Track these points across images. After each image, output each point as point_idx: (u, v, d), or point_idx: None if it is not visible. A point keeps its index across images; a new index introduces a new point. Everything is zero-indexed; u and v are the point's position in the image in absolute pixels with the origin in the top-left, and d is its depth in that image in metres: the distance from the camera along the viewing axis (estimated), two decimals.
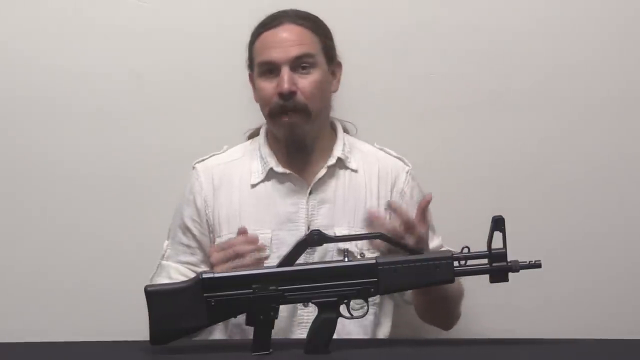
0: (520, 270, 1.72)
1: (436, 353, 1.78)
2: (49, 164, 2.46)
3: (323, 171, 2.09)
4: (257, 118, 2.17)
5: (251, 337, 1.73)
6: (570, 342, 1.83)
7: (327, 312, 1.72)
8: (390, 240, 1.84)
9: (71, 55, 2.44)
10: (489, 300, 2.33)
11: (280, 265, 1.74)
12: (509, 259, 1.72)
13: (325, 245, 1.92)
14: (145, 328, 1.74)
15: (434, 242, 2.13)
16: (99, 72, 2.44)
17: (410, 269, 1.73)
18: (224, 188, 2.12)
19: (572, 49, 2.46)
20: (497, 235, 1.70)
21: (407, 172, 2.16)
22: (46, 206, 2.47)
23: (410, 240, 1.82)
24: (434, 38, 2.45)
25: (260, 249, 1.92)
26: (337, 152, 2.12)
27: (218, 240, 2.09)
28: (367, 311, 1.76)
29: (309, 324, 1.75)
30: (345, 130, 2.21)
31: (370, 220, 1.87)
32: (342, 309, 1.74)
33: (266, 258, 1.92)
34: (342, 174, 2.12)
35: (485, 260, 1.73)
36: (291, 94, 2.02)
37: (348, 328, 1.98)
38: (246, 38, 2.13)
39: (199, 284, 1.73)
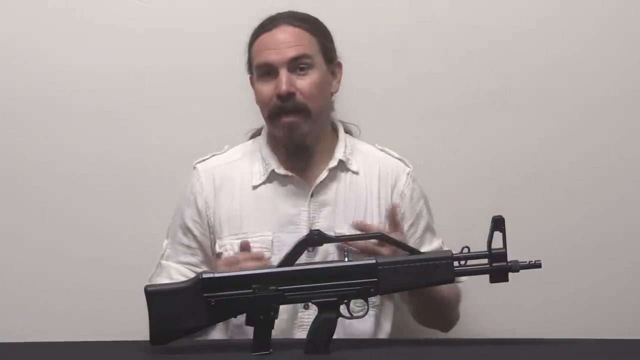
0: (520, 270, 1.72)
1: (436, 353, 1.78)
2: (49, 164, 2.46)
3: (324, 174, 2.09)
4: (257, 118, 2.17)
5: (251, 337, 1.73)
6: (570, 342, 1.83)
7: (327, 312, 1.72)
8: (390, 240, 1.85)
9: (71, 55, 2.44)
10: (489, 300, 2.33)
11: (280, 265, 1.74)
12: (509, 259, 1.72)
13: (325, 247, 1.93)
14: (145, 328, 1.74)
15: (433, 245, 2.13)
16: (99, 72, 2.44)
17: (410, 269, 1.73)
18: (225, 189, 2.11)
19: (572, 49, 2.46)
20: (497, 235, 1.70)
21: (407, 174, 2.15)
22: (46, 206, 2.47)
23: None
24: (434, 38, 2.45)
25: (267, 266, 1.91)
26: (339, 154, 2.11)
27: (219, 242, 2.09)
28: (367, 311, 1.76)
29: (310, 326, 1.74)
30: (348, 132, 2.20)
31: (357, 229, 1.91)
32: (342, 309, 1.74)
33: None
34: (344, 176, 2.11)
35: (485, 260, 1.73)
36: (290, 95, 2.01)
37: (348, 330, 1.98)
38: (246, 38, 2.13)
39: (199, 284, 1.73)
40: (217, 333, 2.05)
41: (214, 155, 2.17)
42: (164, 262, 2.13)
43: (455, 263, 1.73)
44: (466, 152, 2.47)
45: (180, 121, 2.46)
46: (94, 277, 2.45)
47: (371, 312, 2.06)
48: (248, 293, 1.72)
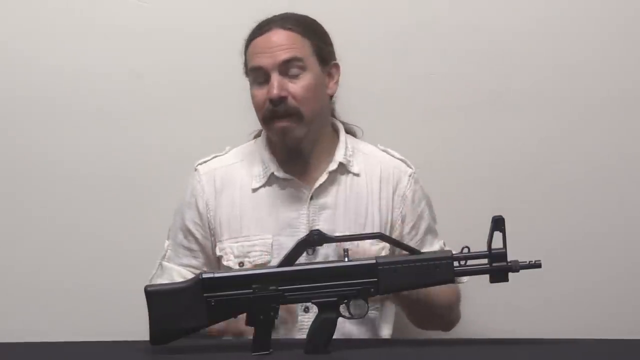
0: (520, 270, 1.72)
1: (436, 353, 1.78)
2: (49, 164, 2.46)
3: (324, 177, 2.08)
4: (257, 119, 2.17)
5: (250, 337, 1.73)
6: (570, 342, 1.82)
7: (327, 312, 1.72)
8: (391, 240, 1.85)
9: (71, 55, 2.44)
10: (489, 300, 2.33)
11: (280, 265, 1.74)
12: (509, 259, 1.72)
13: (325, 252, 1.93)
14: (145, 328, 1.74)
15: (434, 247, 2.12)
16: (99, 72, 2.45)
17: (410, 269, 1.73)
18: (225, 191, 2.11)
19: (572, 49, 2.46)
20: (497, 235, 1.70)
21: (409, 176, 2.14)
22: (46, 206, 2.47)
23: None
24: (434, 38, 2.45)
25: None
26: (339, 156, 2.10)
27: (219, 245, 2.09)
28: (367, 311, 1.76)
29: None
30: (350, 132, 2.18)
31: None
32: (342, 309, 1.74)
33: None
34: (344, 179, 2.10)
35: (485, 260, 1.73)
36: (281, 99, 2.00)
37: (349, 332, 1.98)
38: (246, 38, 2.13)
39: (199, 284, 1.73)
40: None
41: (215, 156, 2.16)
42: (165, 263, 2.13)
43: (455, 263, 1.73)
44: (466, 152, 2.47)
45: (180, 121, 2.46)
46: (94, 277, 2.46)
47: (372, 314, 2.06)
48: (248, 293, 1.72)
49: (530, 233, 2.40)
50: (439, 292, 2.01)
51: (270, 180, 2.09)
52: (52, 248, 2.46)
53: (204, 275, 1.74)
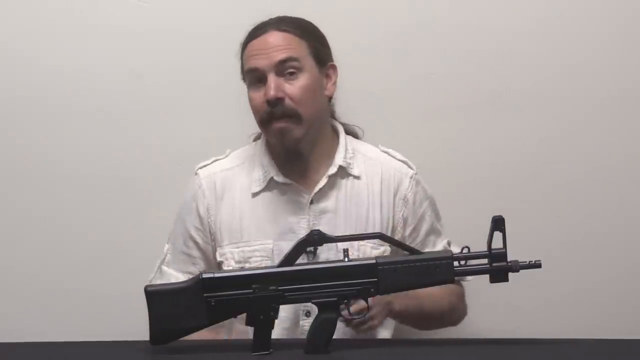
0: (520, 270, 1.72)
1: (436, 353, 1.78)
2: (49, 164, 2.46)
3: (324, 181, 2.07)
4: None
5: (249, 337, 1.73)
6: (570, 342, 1.82)
7: (327, 312, 1.72)
8: (391, 240, 1.85)
9: (71, 55, 2.44)
10: (489, 300, 2.33)
11: (280, 265, 1.74)
12: (509, 259, 1.71)
13: (326, 255, 1.92)
14: (145, 328, 1.74)
15: (437, 247, 2.12)
16: (99, 72, 2.45)
17: (410, 269, 1.72)
18: (226, 196, 2.10)
19: (572, 49, 2.46)
20: (497, 235, 1.69)
21: (410, 177, 2.13)
22: (46, 206, 2.47)
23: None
24: (434, 38, 2.45)
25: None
26: (339, 159, 2.09)
27: (219, 251, 2.08)
28: (368, 311, 1.76)
29: None
30: (351, 133, 2.17)
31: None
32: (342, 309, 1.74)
33: None
34: (344, 182, 2.09)
35: (485, 260, 1.73)
36: (278, 101, 1.99)
37: (350, 332, 1.98)
38: (242, 41, 2.12)
39: (199, 284, 1.73)
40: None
41: (215, 160, 2.15)
42: (164, 268, 2.12)
43: (456, 263, 1.73)
44: (466, 152, 2.47)
45: (180, 121, 2.46)
46: (94, 277, 2.46)
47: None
48: (248, 293, 1.72)
49: (530, 233, 2.40)
50: (434, 301, 2.02)
51: (270, 185, 2.08)
52: (52, 248, 2.46)
53: (204, 275, 1.73)
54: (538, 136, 2.48)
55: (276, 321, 1.74)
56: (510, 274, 1.72)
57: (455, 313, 2.15)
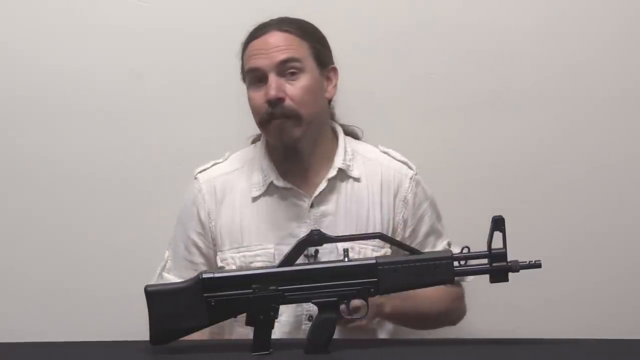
0: (520, 270, 1.72)
1: (436, 353, 1.77)
2: (49, 164, 2.46)
3: (324, 184, 2.06)
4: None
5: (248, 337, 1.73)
6: (570, 342, 1.82)
7: (327, 312, 1.72)
8: (391, 240, 1.85)
9: (71, 55, 2.44)
10: (489, 300, 2.33)
11: (280, 265, 1.74)
12: (509, 259, 1.71)
13: (327, 257, 1.92)
14: (145, 328, 1.74)
15: (437, 248, 2.12)
16: (99, 72, 2.45)
17: (410, 269, 1.72)
18: (226, 200, 2.09)
19: (573, 49, 2.46)
20: (497, 235, 1.69)
21: (410, 178, 2.12)
22: (46, 206, 2.47)
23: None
24: (434, 38, 2.45)
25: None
26: (338, 162, 2.08)
27: (220, 256, 2.07)
28: (368, 311, 1.76)
29: None
30: (351, 134, 2.16)
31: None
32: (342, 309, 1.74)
33: None
34: (344, 185, 2.08)
35: (485, 260, 1.72)
36: (279, 101, 1.98)
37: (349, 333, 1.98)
38: (242, 42, 2.12)
39: (199, 284, 1.73)
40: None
41: (214, 164, 2.13)
42: (165, 274, 2.10)
43: (456, 263, 1.73)
44: (466, 152, 2.47)
45: (180, 121, 2.46)
46: (94, 277, 2.46)
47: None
48: (248, 293, 1.72)
49: (530, 233, 2.41)
50: (431, 302, 2.03)
51: (270, 189, 2.07)
52: (52, 248, 2.46)
53: (204, 275, 1.73)
54: (538, 136, 2.48)
55: (278, 325, 1.74)
56: (510, 274, 1.72)
57: (453, 314, 2.15)
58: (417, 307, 2.02)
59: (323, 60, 2.06)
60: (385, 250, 2.03)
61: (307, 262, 1.76)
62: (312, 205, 2.06)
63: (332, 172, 2.07)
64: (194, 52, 2.44)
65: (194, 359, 1.74)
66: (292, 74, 2.00)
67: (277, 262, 1.97)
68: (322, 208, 2.06)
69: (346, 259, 1.74)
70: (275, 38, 2.02)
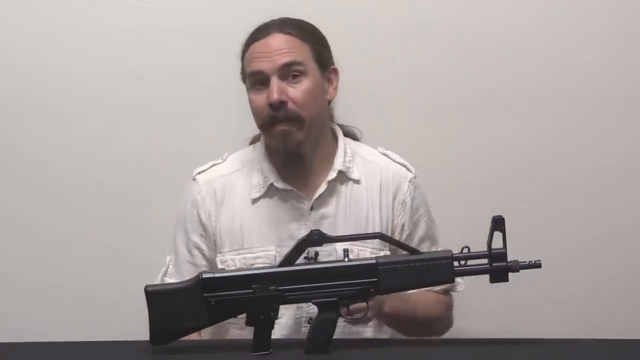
0: (520, 270, 1.72)
1: (436, 353, 1.78)
2: (49, 164, 2.46)
3: (324, 187, 2.05)
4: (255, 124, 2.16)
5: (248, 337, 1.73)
6: (571, 342, 1.82)
7: (327, 312, 1.72)
8: (391, 241, 1.85)
9: (71, 55, 2.44)
10: (489, 300, 2.34)
11: (280, 265, 1.74)
12: (509, 259, 1.71)
13: (327, 258, 1.92)
14: (145, 328, 1.74)
15: None
16: (99, 72, 2.45)
17: (411, 269, 1.72)
18: (225, 202, 2.08)
19: (573, 49, 2.46)
20: (497, 235, 1.69)
21: (409, 181, 2.11)
22: (46, 206, 2.47)
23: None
24: (434, 38, 2.45)
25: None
26: (338, 164, 2.07)
27: (220, 257, 2.06)
28: (367, 311, 1.76)
29: None
30: (350, 135, 2.16)
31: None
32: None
33: None
34: (344, 187, 2.07)
35: (485, 260, 1.72)
36: (281, 104, 1.97)
37: (348, 333, 1.98)
38: (243, 43, 2.12)
39: (199, 284, 1.72)
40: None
41: (213, 165, 2.12)
42: (167, 279, 2.09)
43: (456, 263, 1.73)
44: (466, 152, 2.47)
45: (180, 121, 2.46)
46: (94, 277, 2.46)
47: (371, 323, 2.05)
48: (248, 293, 1.72)
49: (530, 233, 2.41)
50: (425, 308, 2.03)
51: (270, 191, 2.06)
52: (52, 248, 2.46)
53: (204, 275, 1.73)
54: (538, 136, 2.48)
55: (277, 327, 1.73)
56: (510, 274, 1.72)
57: (442, 322, 2.14)
58: (413, 310, 2.02)
59: (324, 62, 2.05)
60: (385, 252, 2.02)
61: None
62: (311, 208, 2.05)
63: (332, 175, 2.06)
64: (194, 52, 2.44)
65: (194, 359, 1.74)
66: (294, 77, 1.99)
67: (277, 264, 1.98)
68: (322, 210, 2.06)
69: (346, 259, 1.74)
70: (277, 40, 2.01)
